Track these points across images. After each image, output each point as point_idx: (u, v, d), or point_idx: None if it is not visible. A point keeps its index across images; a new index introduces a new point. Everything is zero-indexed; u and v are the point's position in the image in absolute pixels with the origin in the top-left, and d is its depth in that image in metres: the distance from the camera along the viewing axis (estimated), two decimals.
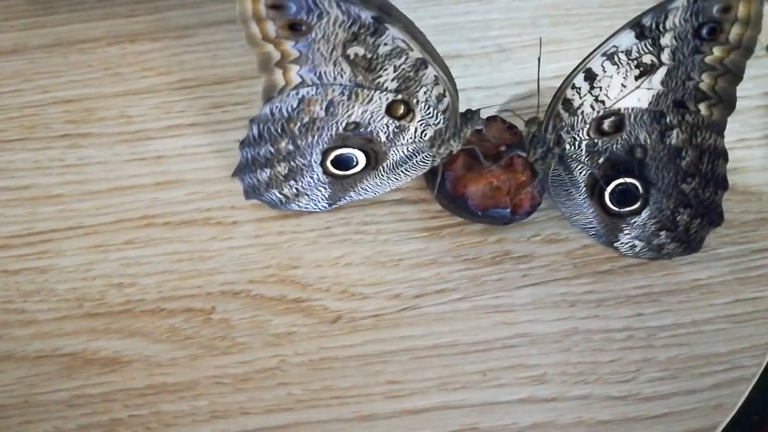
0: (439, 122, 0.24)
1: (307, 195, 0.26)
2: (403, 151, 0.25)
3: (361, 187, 0.25)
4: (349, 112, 0.24)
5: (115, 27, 0.31)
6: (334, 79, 0.23)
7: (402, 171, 0.25)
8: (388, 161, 0.25)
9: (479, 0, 0.33)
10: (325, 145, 0.24)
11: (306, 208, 0.26)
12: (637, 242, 0.26)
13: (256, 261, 0.25)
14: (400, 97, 0.24)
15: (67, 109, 0.29)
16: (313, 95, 0.24)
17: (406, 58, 0.23)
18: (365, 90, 0.23)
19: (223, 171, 0.27)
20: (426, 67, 0.23)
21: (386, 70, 0.23)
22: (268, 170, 0.25)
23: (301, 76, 0.23)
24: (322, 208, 0.26)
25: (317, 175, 0.25)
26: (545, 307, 0.25)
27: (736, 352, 0.24)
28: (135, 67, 0.30)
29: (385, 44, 0.22)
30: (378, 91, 0.23)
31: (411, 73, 0.23)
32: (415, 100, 0.24)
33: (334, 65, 0.23)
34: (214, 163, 0.28)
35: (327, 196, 0.25)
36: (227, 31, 0.32)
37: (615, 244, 0.26)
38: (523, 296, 0.25)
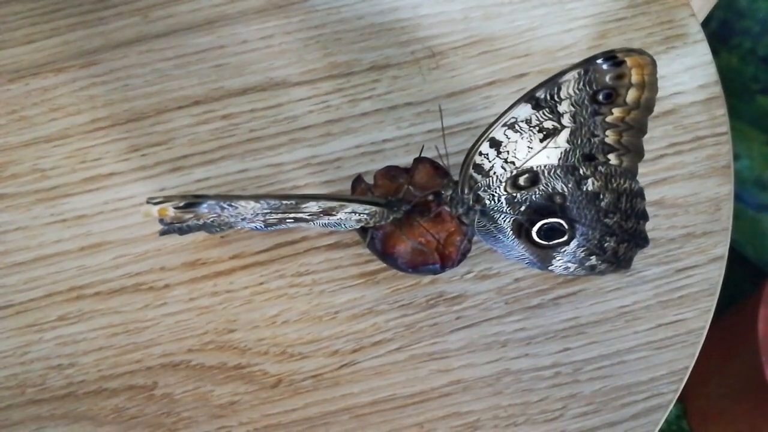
0: (363, 217, 0.24)
1: (242, 228, 0.25)
2: (329, 222, 0.24)
3: (295, 226, 0.25)
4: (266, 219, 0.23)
5: (13, 58, 0.29)
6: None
7: (332, 227, 0.25)
8: (317, 222, 0.24)
9: None
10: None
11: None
12: (570, 264, 0.26)
13: (193, 327, 0.25)
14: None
15: None
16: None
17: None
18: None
19: (147, 228, 0.27)
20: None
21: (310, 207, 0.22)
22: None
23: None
24: (259, 229, 0.26)
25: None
26: (478, 349, 0.26)
27: (656, 380, 0.26)
28: (42, 108, 0.28)
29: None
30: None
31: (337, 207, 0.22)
32: (337, 212, 0.23)
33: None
34: (137, 219, 0.27)
35: (262, 226, 0.25)
36: (137, 53, 0.29)
37: (549, 268, 0.26)
38: (456, 340, 0.26)
